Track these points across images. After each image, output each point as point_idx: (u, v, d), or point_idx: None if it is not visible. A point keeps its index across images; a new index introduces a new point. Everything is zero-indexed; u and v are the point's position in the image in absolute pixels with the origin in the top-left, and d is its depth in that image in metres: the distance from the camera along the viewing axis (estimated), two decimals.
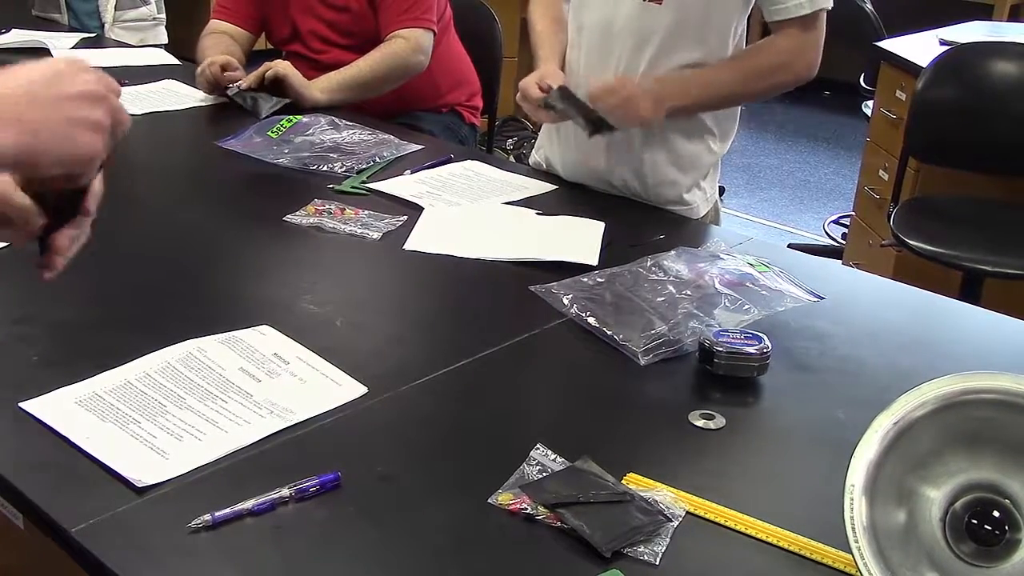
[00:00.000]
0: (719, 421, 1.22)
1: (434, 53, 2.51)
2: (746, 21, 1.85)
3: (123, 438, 1.11)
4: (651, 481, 1.09)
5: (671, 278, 1.49)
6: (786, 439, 1.23)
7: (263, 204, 1.84)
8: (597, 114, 1.79)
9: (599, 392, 1.30)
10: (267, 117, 2.18)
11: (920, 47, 3.29)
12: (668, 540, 1.00)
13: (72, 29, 3.11)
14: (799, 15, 1.75)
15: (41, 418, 1.14)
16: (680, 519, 1.03)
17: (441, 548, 0.99)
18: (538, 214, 1.79)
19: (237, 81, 2.28)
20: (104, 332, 1.35)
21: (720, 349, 1.28)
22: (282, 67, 2.28)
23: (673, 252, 1.57)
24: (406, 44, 2.44)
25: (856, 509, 0.92)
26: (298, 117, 2.17)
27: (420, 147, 2.11)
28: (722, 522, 1.04)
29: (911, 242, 2.74)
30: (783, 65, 1.79)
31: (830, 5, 1.77)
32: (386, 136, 2.14)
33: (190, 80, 2.46)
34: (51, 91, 0.87)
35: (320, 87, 2.33)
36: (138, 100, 2.33)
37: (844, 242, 3.90)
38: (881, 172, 3.35)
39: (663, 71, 1.81)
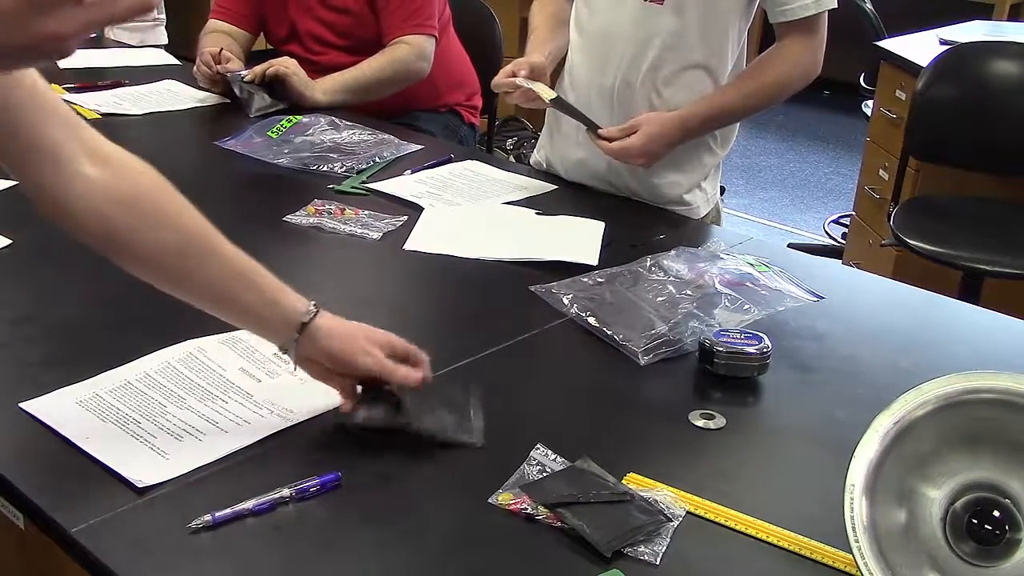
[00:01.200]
0: (719, 421, 1.22)
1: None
2: (749, 23, 1.85)
3: (123, 438, 1.11)
4: (651, 481, 1.09)
5: (671, 278, 1.49)
6: (786, 439, 1.23)
7: (263, 204, 1.84)
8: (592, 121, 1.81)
9: (599, 392, 1.30)
10: (256, 117, 2.19)
11: (920, 47, 3.29)
12: (668, 540, 1.00)
13: None
14: (805, 16, 1.75)
15: (41, 418, 1.14)
16: (680, 519, 1.03)
17: (441, 548, 0.99)
18: (538, 214, 1.79)
19: (234, 70, 2.28)
20: (104, 332, 1.35)
21: (720, 349, 1.28)
22: (288, 65, 2.28)
23: (673, 252, 1.57)
24: (410, 50, 2.46)
25: (856, 509, 0.92)
26: (298, 117, 2.17)
27: (420, 147, 2.11)
28: (722, 522, 1.04)
29: (911, 242, 2.74)
30: (795, 72, 1.80)
31: (835, 4, 1.77)
32: (386, 136, 2.14)
33: (190, 80, 2.46)
34: None
35: (323, 88, 2.34)
36: (138, 100, 2.33)
37: (844, 242, 3.90)
38: (881, 172, 3.35)
39: (665, 72, 1.81)
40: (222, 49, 2.33)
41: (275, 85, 2.27)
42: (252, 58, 2.47)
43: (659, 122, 1.77)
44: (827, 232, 4.40)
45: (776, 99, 1.84)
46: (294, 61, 2.31)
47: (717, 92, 1.81)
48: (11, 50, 0.73)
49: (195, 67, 2.36)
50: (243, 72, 2.27)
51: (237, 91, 2.25)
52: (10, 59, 0.75)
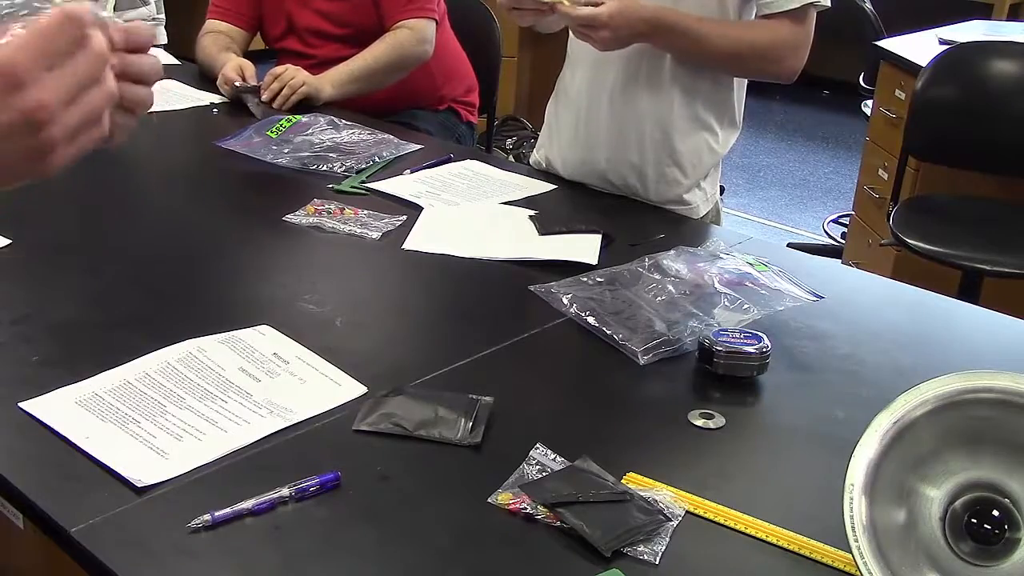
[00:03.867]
0: (719, 421, 1.22)
1: None
2: (750, 18, 1.84)
3: (123, 438, 1.11)
4: (651, 481, 1.09)
5: (671, 278, 1.49)
6: (786, 439, 1.23)
7: (263, 204, 1.84)
8: None
9: (599, 392, 1.30)
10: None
11: (919, 46, 3.29)
12: (668, 539, 1.00)
13: None
14: (788, 8, 1.75)
15: (41, 418, 1.14)
16: (680, 519, 1.03)
17: (441, 548, 1.00)
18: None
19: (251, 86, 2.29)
20: (104, 332, 1.35)
21: (720, 349, 1.28)
22: (295, 83, 2.27)
23: (672, 252, 1.57)
24: (411, 34, 2.46)
25: (856, 508, 0.92)
26: (297, 117, 2.17)
27: (419, 147, 2.11)
28: (722, 522, 1.04)
29: (910, 241, 2.74)
30: (774, 48, 1.78)
31: (825, 2, 1.77)
32: (385, 136, 2.14)
33: (190, 80, 2.46)
34: None
35: (331, 80, 2.34)
36: None
37: (844, 241, 3.90)
38: (880, 171, 3.35)
39: (666, 68, 1.81)
40: (243, 69, 2.32)
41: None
42: (248, 57, 2.46)
43: (631, 5, 1.72)
44: (826, 232, 4.40)
45: (745, 62, 1.80)
46: (295, 71, 2.31)
47: (697, 17, 1.77)
48: (13, 159, 0.71)
49: (219, 81, 2.35)
50: (255, 86, 2.28)
51: (245, 100, 2.26)
52: (5, 142, 0.71)
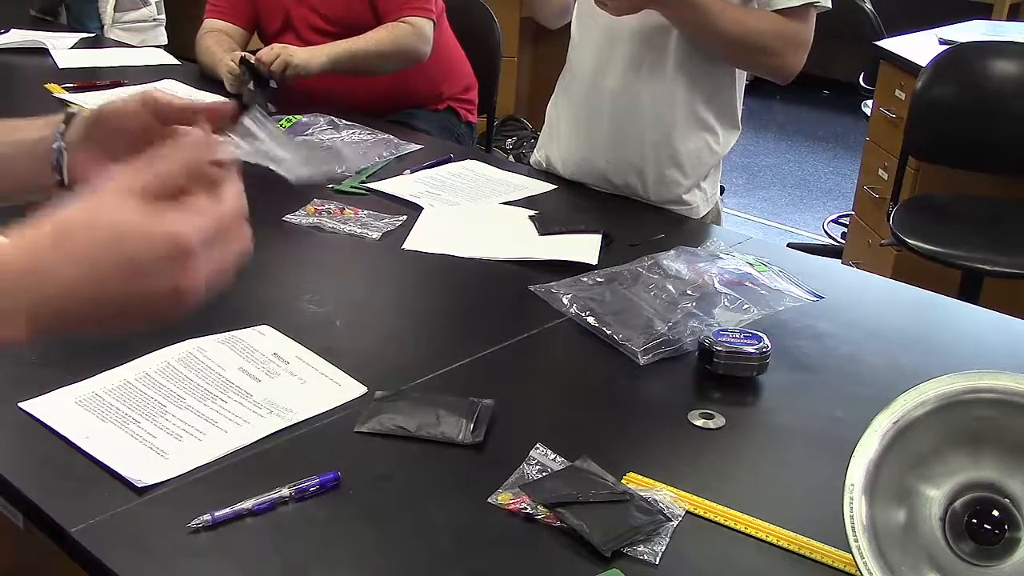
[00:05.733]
0: (719, 421, 1.22)
1: None
2: None
3: (123, 438, 1.11)
4: (651, 481, 1.09)
5: (671, 278, 1.49)
6: (786, 439, 1.23)
7: (263, 204, 1.82)
8: None
9: (599, 392, 1.30)
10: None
11: (920, 46, 3.29)
12: (668, 540, 1.00)
13: (72, 29, 3.11)
14: (790, 6, 1.75)
15: (41, 418, 1.14)
16: (680, 519, 1.03)
17: (441, 548, 1.00)
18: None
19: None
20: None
21: (720, 348, 1.28)
22: (275, 65, 2.26)
23: (672, 252, 1.57)
24: (412, 30, 2.46)
25: (856, 508, 0.92)
26: (298, 117, 2.17)
27: (419, 147, 2.11)
28: (722, 522, 1.04)
29: (911, 241, 2.74)
30: (775, 46, 1.77)
31: (826, 4, 1.77)
32: (385, 136, 2.14)
33: (190, 80, 2.46)
34: (120, 284, 0.70)
35: (327, 52, 2.34)
36: None
37: (844, 242, 3.90)
38: (881, 171, 3.35)
39: (668, 65, 1.81)
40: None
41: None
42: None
43: None
44: (826, 232, 4.40)
45: (747, 50, 1.79)
46: (282, 47, 2.28)
47: None
48: (151, 299, 0.71)
49: (224, 73, 2.34)
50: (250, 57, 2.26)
51: (243, 71, 2.25)
52: (147, 308, 0.72)
